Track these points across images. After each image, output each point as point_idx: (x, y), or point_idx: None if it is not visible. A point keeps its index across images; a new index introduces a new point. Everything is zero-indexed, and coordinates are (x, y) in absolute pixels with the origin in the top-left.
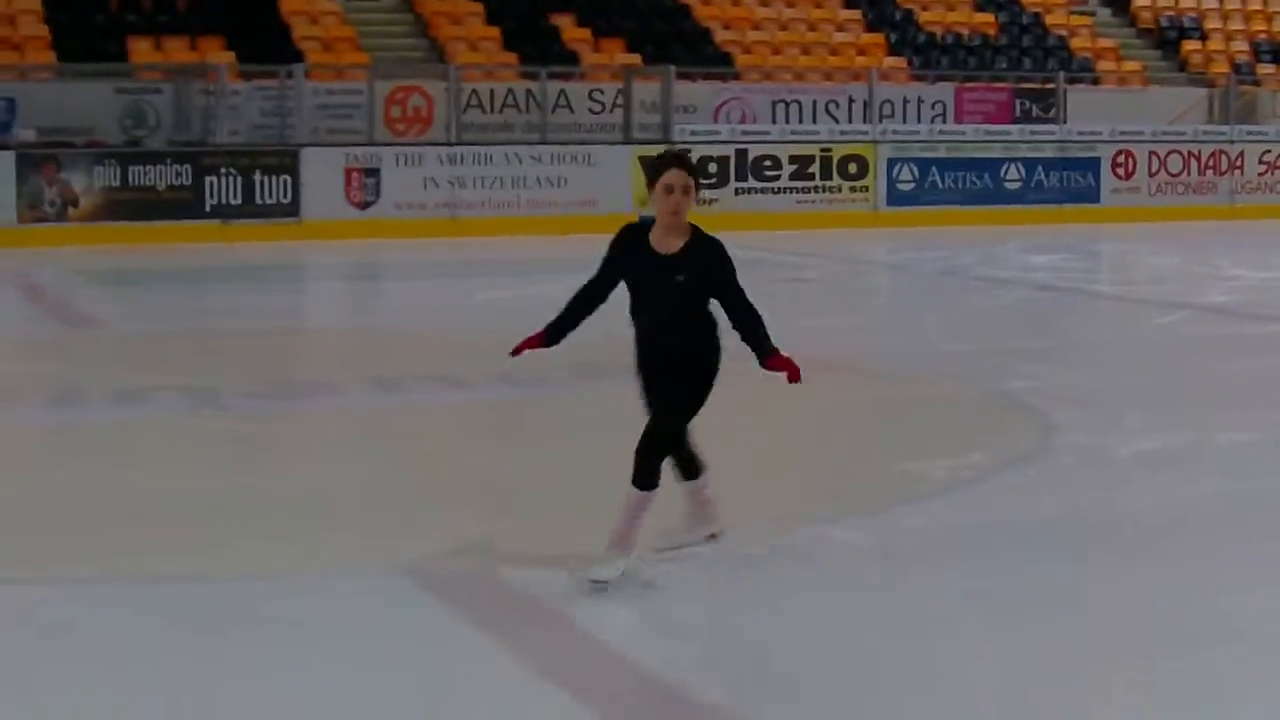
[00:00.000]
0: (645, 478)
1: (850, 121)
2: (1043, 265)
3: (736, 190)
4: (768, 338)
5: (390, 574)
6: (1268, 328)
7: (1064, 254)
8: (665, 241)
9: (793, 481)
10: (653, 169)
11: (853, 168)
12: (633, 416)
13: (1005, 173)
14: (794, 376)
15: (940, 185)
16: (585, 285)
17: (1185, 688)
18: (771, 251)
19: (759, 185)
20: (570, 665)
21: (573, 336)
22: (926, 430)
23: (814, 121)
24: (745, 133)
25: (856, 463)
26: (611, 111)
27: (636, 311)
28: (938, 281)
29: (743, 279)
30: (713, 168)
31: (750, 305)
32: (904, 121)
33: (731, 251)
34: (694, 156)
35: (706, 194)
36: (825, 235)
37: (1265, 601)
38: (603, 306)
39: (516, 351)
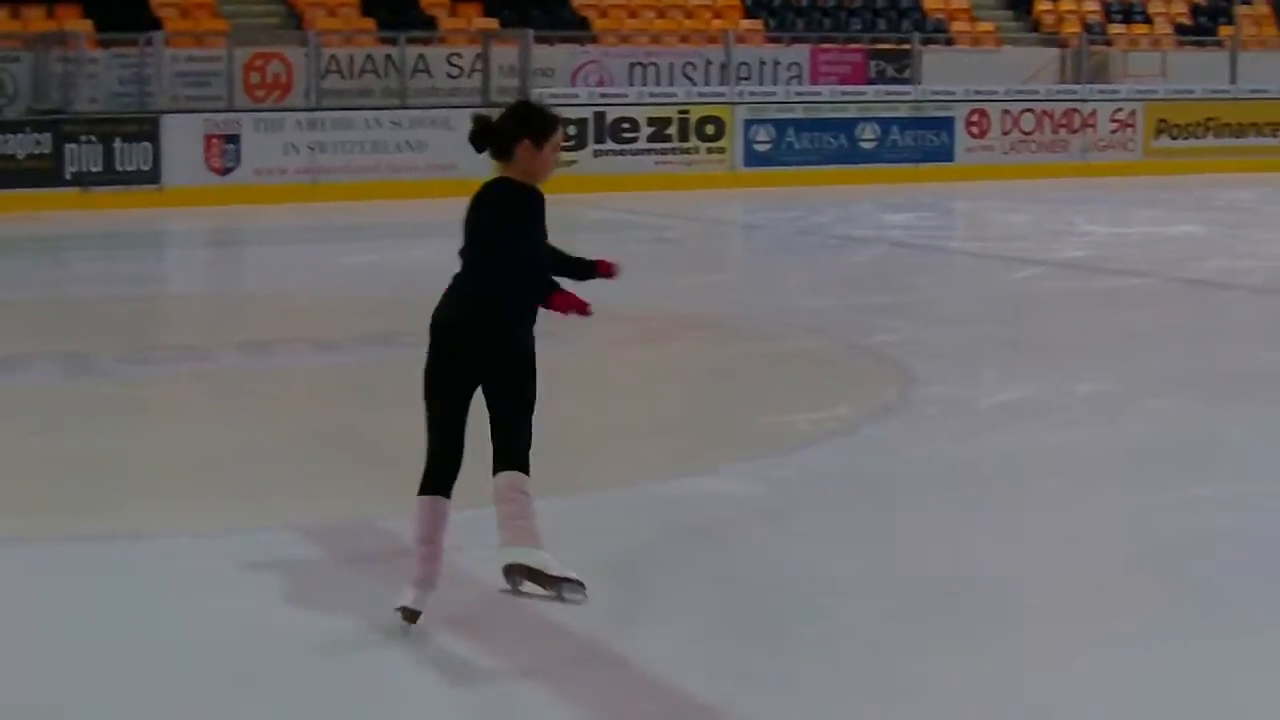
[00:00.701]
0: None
1: (707, 84)
2: (899, 223)
3: (595, 153)
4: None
5: (274, 529)
6: (1120, 281)
7: (920, 212)
8: None
9: (663, 437)
10: (542, 128)
11: (710, 129)
12: None
13: (860, 133)
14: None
15: (796, 146)
16: (543, 248)
17: (1041, 624)
18: (632, 213)
19: (617, 148)
20: (466, 610)
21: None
22: (791, 385)
23: (671, 84)
24: (603, 96)
25: (725, 417)
26: (470, 76)
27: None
28: (796, 240)
29: (605, 240)
30: (572, 130)
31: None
32: (760, 83)
33: (606, 213)
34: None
35: (565, 156)
36: (684, 196)
37: (1117, 539)
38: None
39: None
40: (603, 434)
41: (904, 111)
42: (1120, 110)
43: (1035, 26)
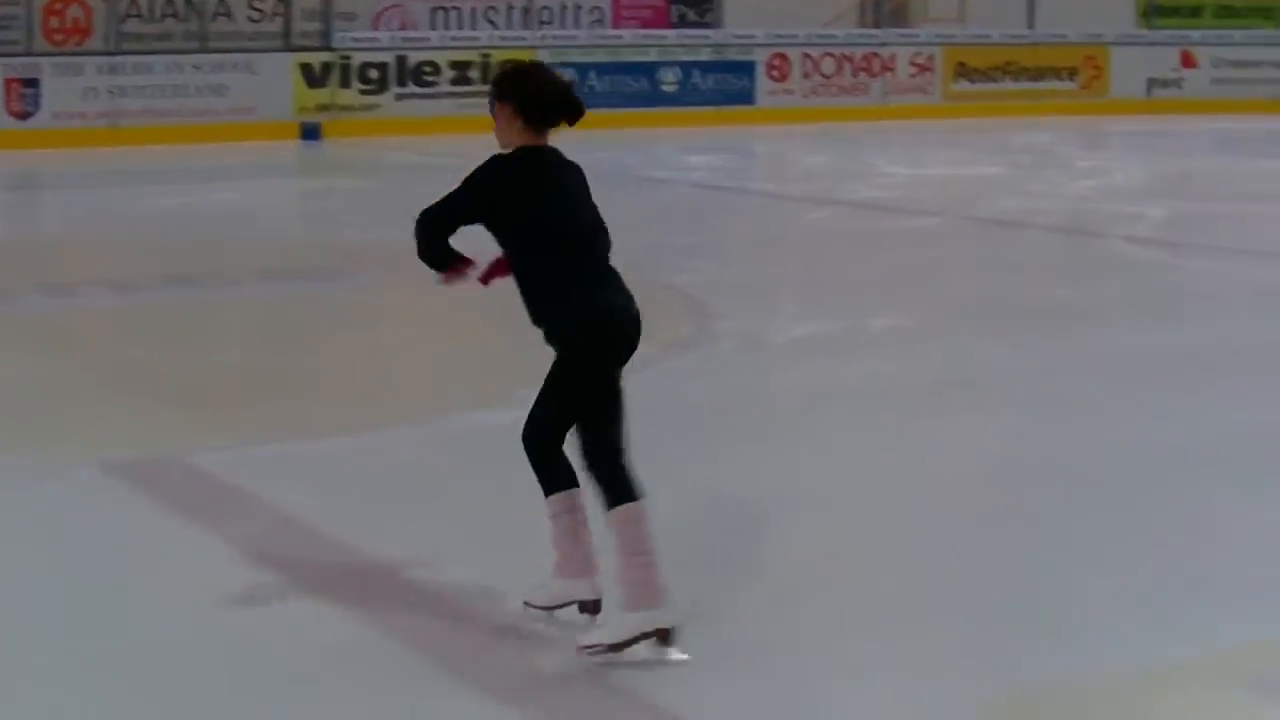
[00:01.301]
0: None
1: (510, 27)
2: (700, 165)
3: (397, 96)
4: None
5: (81, 466)
6: (916, 221)
7: (721, 154)
8: None
9: (461, 372)
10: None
11: None
12: (304, 315)
13: (662, 76)
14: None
15: (598, 89)
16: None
17: (818, 546)
18: (433, 155)
19: (419, 91)
20: (274, 544)
21: (255, 240)
22: None
23: (473, 28)
24: (405, 40)
25: (521, 353)
26: (271, 20)
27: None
28: (597, 182)
29: (405, 182)
30: (374, 74)
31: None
32: (562, 27)
33: (408, 156)
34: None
35: (367, 100)
36: (485, 140)
37: (897, 466)
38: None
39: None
40: (396, 370)
41: (705, 55)
42: (919, 54)
43: None
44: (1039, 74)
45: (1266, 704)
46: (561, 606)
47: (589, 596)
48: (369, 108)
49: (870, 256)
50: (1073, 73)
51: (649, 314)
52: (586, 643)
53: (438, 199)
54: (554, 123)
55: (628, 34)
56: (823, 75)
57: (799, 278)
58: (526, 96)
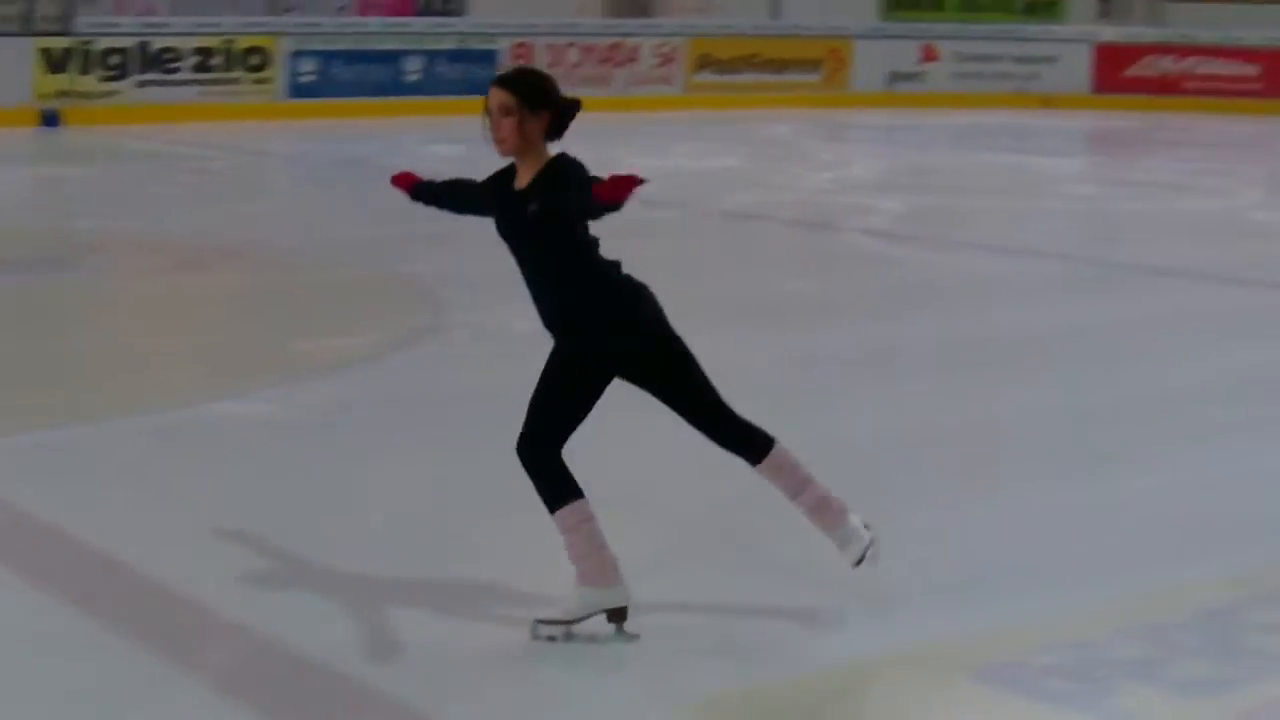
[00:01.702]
0: None
1: (253, 13)
2: (444, 155)
3: (139, 83)
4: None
5: None
6: (656, 213)
7: (464, 144)
8: (520, 176)
9: (194, 363)
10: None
11: (255, 59)
12: (38, 305)
13: (406, 65)
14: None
15: (342, 78)
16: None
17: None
18: (174, 143)
19: (161, 78)
20: (4, 537)
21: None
22: (326, 313)
23: (217, 14)
24: (147, 25)
25: (260, 343)
26: (12, 3)
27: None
28: (340, 172)
29: (144, 170)
30: (115, 61)
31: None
32: (307, 14)
33: (148, 144)
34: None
35: (108, 86)
36: (228, 127)
37: (621, 461)
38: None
39: (394, 182)
40: (131, 360)
41: (450, 44)
42: (663, 45)
43: None
44: (782, 66)
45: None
46: (588, 617)
47: (621, 603)
48: (110, 94)
49: (608, 248)
50: (816, 65)
51: (381, 303)
52: (544, 617)
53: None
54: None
55: (374, 22)
56: (568, 65)
57: None
58: (561, 112)
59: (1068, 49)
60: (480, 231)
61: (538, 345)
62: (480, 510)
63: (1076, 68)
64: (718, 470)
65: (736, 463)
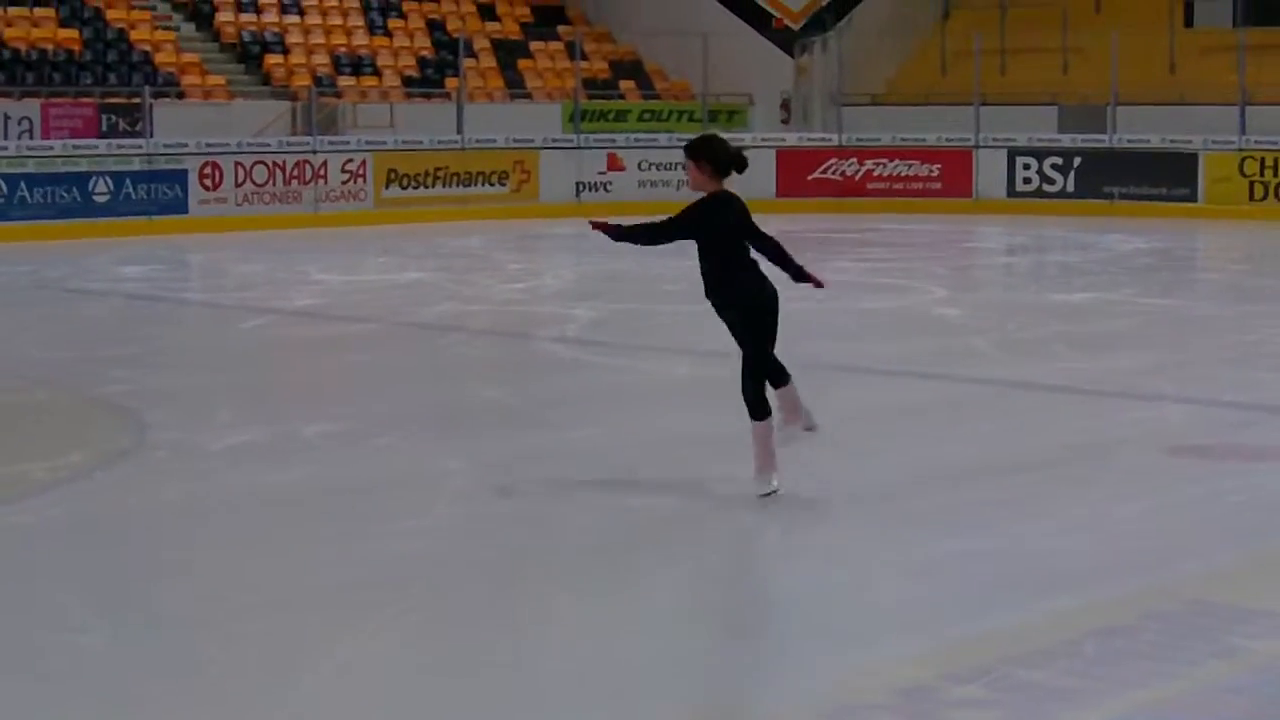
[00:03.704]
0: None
1: None
2: (134, 275)
3: None
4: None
5: None
6: (349, 328)
7: (154, 264)
8: None
9: None
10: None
11: None
12: None
13: (94, 186)
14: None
15: (30, 200)
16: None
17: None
18: None
19: None
20: None
21: None
22: (25, 435)
23: None
24: None
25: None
26: None
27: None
28: (29, 294)
29: None
30: None
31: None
32: None
33: None
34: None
35: None
36: None
37: (330, 568)
38: None
39: (596, 226)
40: None
41: (137, 164)
42: (351, 161)
43: (266, 80)
44: (469, 179)
45: None
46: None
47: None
48: None
49: (303, 364)
50: (503, 177)
51: (79, 425)
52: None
53: (665, 219)
54: (728, 174)
55: (58, 144)
56: (255, 183)
57: (233, 385)
58: (716, 159)
59: (752, 155)
60: (177, 350)
61: (237, 460)
62: (197, 628)
63: (761, 173)
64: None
65: (464, 560)
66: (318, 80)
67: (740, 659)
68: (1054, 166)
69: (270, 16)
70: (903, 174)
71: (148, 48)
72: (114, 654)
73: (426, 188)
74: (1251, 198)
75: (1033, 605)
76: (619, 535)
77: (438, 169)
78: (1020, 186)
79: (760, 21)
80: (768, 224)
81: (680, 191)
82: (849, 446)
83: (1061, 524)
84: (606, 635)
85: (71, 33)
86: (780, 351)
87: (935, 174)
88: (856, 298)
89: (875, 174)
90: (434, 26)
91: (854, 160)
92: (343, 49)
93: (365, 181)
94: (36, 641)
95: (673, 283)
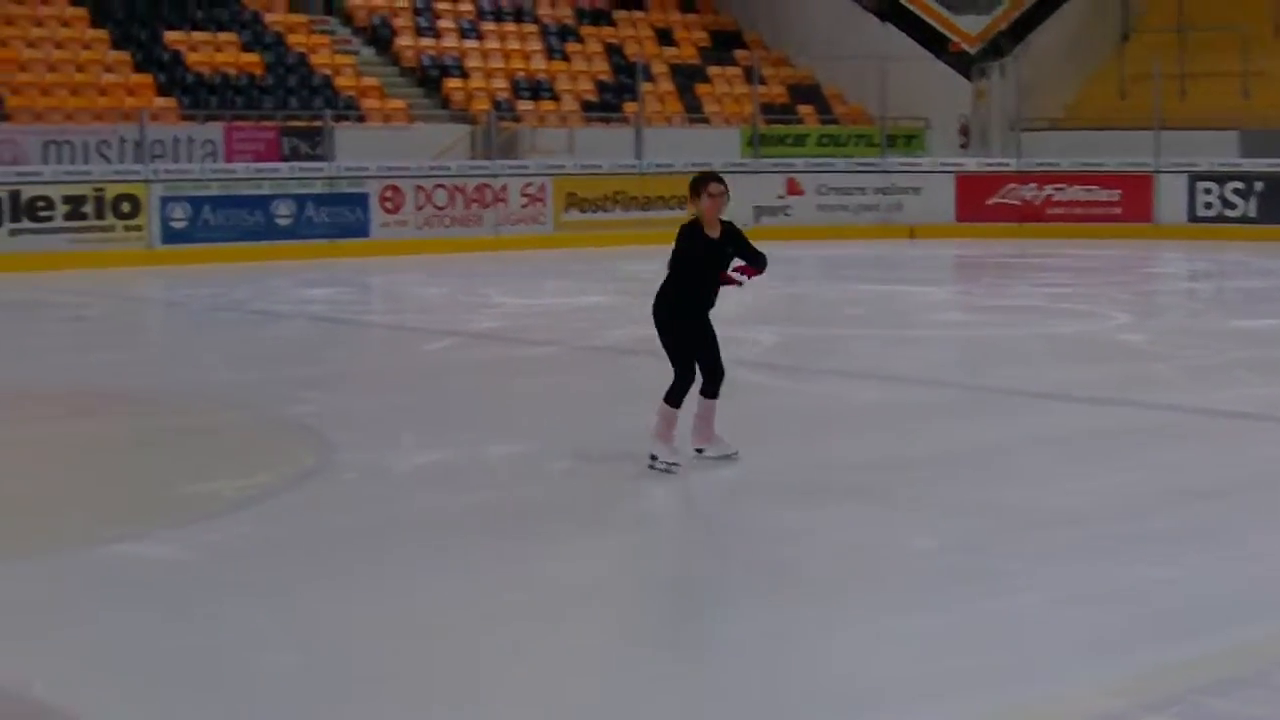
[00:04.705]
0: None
1: (123, 161)
2: (317, 298)
3: (11, 231)
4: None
5: None
6: (531, 350)
7: (337, 287)
8: (711, 230)
9: (89, 506)
10: (698, 184)
11: (126, 207)
12: None
13: (276, 209)
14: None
15: (213, 222)
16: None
17: (461, 668)
18: (49, 291)
19: (33, 226)
20: None
21: None
22: (214, 455)
23: (86, 162)
24: (18, 174)
25: (150, 487)
26: None
27: (697, 284)
28: (215, 316)
29: (20, 319)
30: None
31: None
32: (176, 161)
33: (22, 293)
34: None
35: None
36: (101, 274)
37: (512, 589)
38: None
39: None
40: (25, 505)
41: (319, 188)
42: (530, 185)
43: (446, 103)
44: (647, 203)
45: None
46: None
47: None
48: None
49: (487, 386)
50: (680, 201)
51: (267, 445)
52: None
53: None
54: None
55: (241, 167)
56: (435, 207)
57: (417, 407)
58: (705, 189)
59: (931, 180)
60: (360, 372)
61: (424, 482)
62: (391, 648)
63: (941, 198)
64: (635, 591)
65: (644, 584)
66: (497, 104)
67: (936, 686)
68: (1235, 191)
69: (449, 41)
70: (1082, 199)
71: (328, 72)
72: (303, 673)
73: (605, 211)
74: None
75: (1223, 634)
76: (802, 562)
77: (617, 193)
78: (1201, 211)
79: (938, 45)
80: (948, 247)
81: (860, 215)
82: (1034, 473)
83: (1250, 551)
84: (791, 661)
85: (253, 57)
86: (967, 377)
87: (1115, 199)
88: (1040, 323)
89: (1055, 199)
90: (612, 51)
91: (1033, 185)
92: (521, 73)
93: (545, 205)
94: (226, 660)
95: (854, 306)
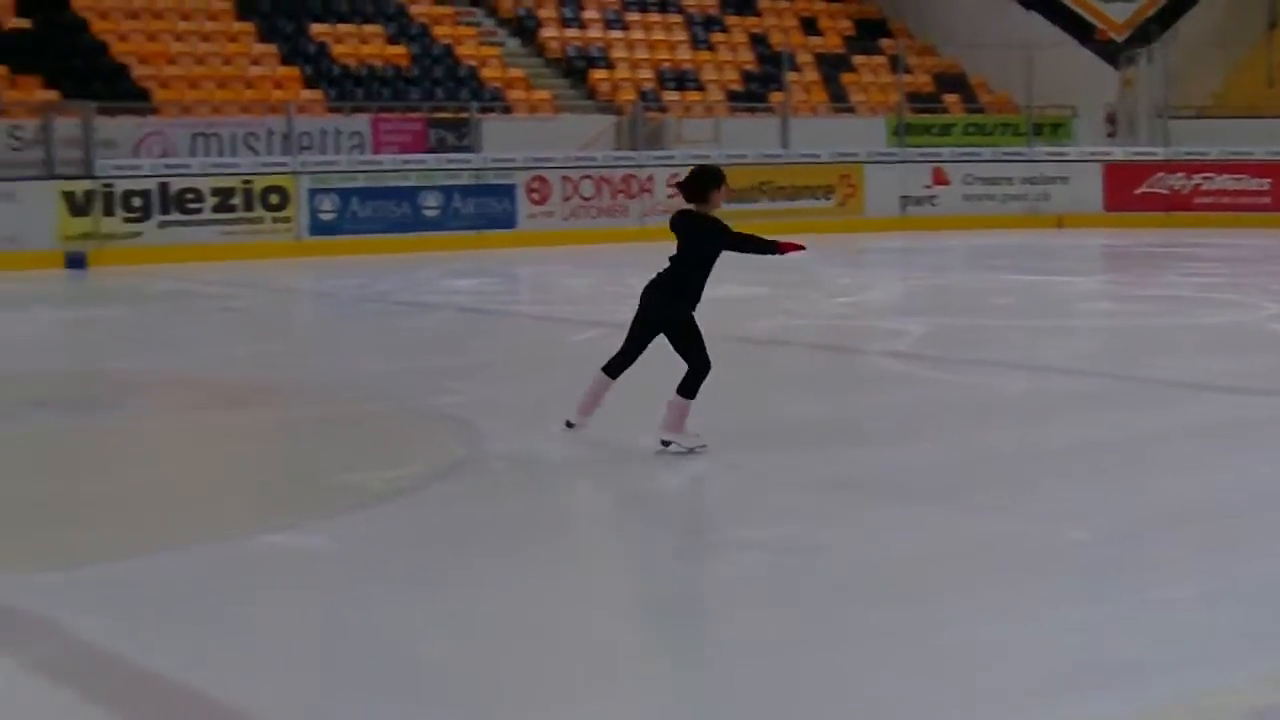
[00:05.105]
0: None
1: (270, 153)
2: (464, 289)
3: (161, 224)
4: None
5: None
6: None
7: (483, 278)
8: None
9: (240, 496)
10: (717, 180)
11: (274, 199)
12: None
13: (423, 200)
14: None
15: (360, 214)
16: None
17: (586, 659)
18: (199, 283)
19: (182, 218)
20: (72, 668)
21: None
22: (363, 446)
23: (234, 154)
24: (167, 166)
25: (299, 477)
26: (33, 148)
27: (704, 278)
28: (362, 308)
29: (171, 310)
30: (136, 202)
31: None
32: (323, 152)
33: (173, 284)
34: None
35: (131, 228)
36: (250, 266)
37: (672, 580)
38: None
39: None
40: (180, 494)
41: (465, 179)
42: (676, 175)
43: (591, 94)
44: (794, 193)
45: None
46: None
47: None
48: (132, 235)
49: (634, 376)
50: (828, 191)
51: (416, 436)
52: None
53: (730, 232)
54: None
55: (387, 159)
56: (582, 197)
57: (565, 397)
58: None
59: (1078, 169)
60: (508, 362)
61: (573, 472)
62: (542, 640)
63: (1088, 187)
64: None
65: (802, 582)
66: (642, 95)
67: (1098, 677)
68: None
69: (595, 32)
70: (1231, 188)
71: (474, 63)
72: (454, 664)
73: (751, 202)
74: None
75: None
76: (953, 554)
77: (762, 183)
78: None
79: (1084, 33)
80: (1095, 236)
81: (1006, 205)
82: (1186, 463)
83: None
84: (949, 654)
85: (399, 49)
86: (1116, 367)
87: (1265, 188)
88: (1189, 313)
89: (1203, 188)
90: (757, 41)
91: (1181, 174)
92: (667, 64)
93: None
94: (377, 650)
95: (1002, 296)
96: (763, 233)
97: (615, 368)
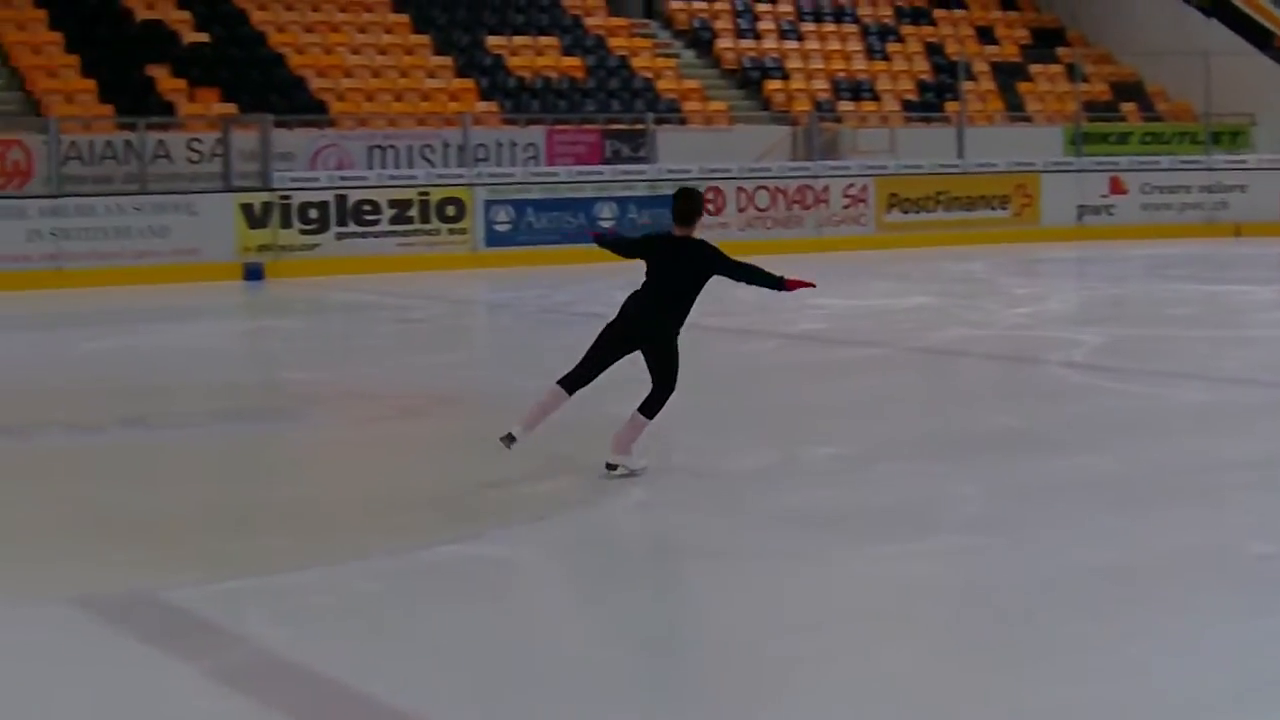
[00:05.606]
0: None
1: (446, 165)
2: None
3: (338, 235)
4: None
5: (54, 602)
6: (856, 352)
7: None
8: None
9: (421, 506)
10: (702, 205)
11: (451, 210)
12: (258, 454)
13: (599, 211)
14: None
15: (536, 225)
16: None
17: (784, 675)
18: (376, 294)
19: (359, 230)
20: (252, 676)
21: (205, 382)
22: (544, 455)
23: (410, 166)
24: (344, 178)
25: (477, 487)
26: (210, 160)
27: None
28: (540, 318)
29: (349, 321)
30: (313, 214)
31: None
32: (499, 164)
33: (351, 295)
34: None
35: (308, 239)
36: (427, 277)
37: (851, 592)
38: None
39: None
40: (362, 504)
41: (641, 190)
42: (852, 185)
43: (766, 105)
44: (970, 203)
45: None
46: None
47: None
48: (310, 247)
49: (813, 387)
50: (1004, 201)
51: (594, 447)
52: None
53: (729, 260)
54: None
55: (563, 170)
56: (757, 208)
57: (743, 407)
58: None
59: (1257, 177)
60: (690, 372)
61: (752, 482)
62: (721, 647)
63: (1267, 196)
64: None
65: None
66: (818, 105)
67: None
68: None
69: (770, 43)
70: None
71: (649, 75)
72: (639, 673)
73: (928, 212)
74: None
75: None
76: (1137, 567)
77: (939, 193)
78: None
79: (1263, 40)
80: (1274, 245)
81: (1184, 214)
82: None
83: None
84: (1141, 666)
85: (574, 61)
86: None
87: None
88: None
89: None
90: (933, 50)
91: None
92: (842, 74)
93: (867, 206)
94: (559, 659)
95: (1179, 306)
96: (940, 243)
97: (572, 383)
